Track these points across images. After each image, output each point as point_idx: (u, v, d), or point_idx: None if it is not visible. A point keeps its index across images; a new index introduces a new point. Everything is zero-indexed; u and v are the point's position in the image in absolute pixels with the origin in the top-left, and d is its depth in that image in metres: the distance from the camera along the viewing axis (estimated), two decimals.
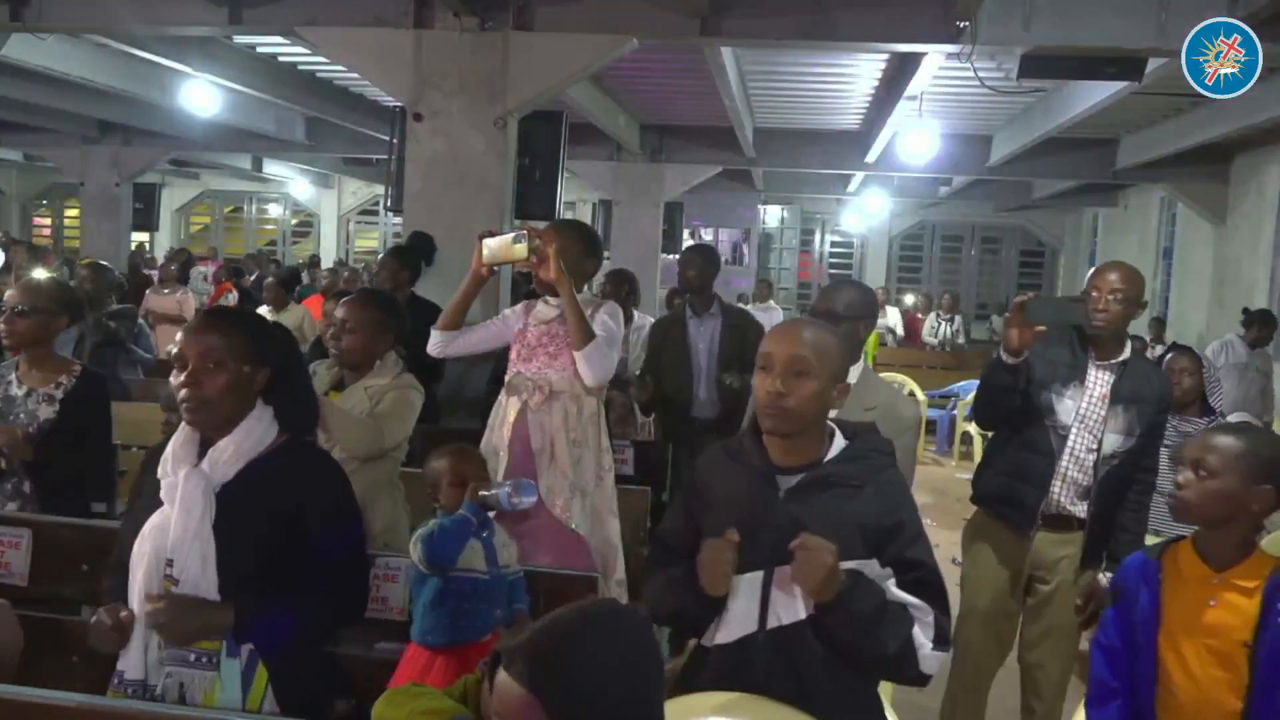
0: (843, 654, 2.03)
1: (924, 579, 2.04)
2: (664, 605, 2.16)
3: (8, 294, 3.56)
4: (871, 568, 2.02)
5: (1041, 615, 3.46)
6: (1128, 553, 3.37)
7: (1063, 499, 3.33)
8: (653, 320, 6.14)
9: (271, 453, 2.19)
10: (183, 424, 2.18)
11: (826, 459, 2.08)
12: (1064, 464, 3.31)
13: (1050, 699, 3.50)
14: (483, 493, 2.74)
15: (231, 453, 2.15)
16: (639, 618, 1.54)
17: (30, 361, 3.49)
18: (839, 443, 2.11)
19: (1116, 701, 2.32)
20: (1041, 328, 3.09)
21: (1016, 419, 3.34)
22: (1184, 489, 2.23)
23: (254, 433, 2.17)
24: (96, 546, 3.12)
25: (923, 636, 2.02)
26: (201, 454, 2.16)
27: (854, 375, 2.59)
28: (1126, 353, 3.32)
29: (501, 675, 1.41)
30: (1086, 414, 3.29)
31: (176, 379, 2.13)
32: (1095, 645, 2.38)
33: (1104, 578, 3.42)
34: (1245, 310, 8.14)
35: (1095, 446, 3.28)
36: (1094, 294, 3.26)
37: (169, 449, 2.18)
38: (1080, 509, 3.33)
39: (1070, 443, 3.29)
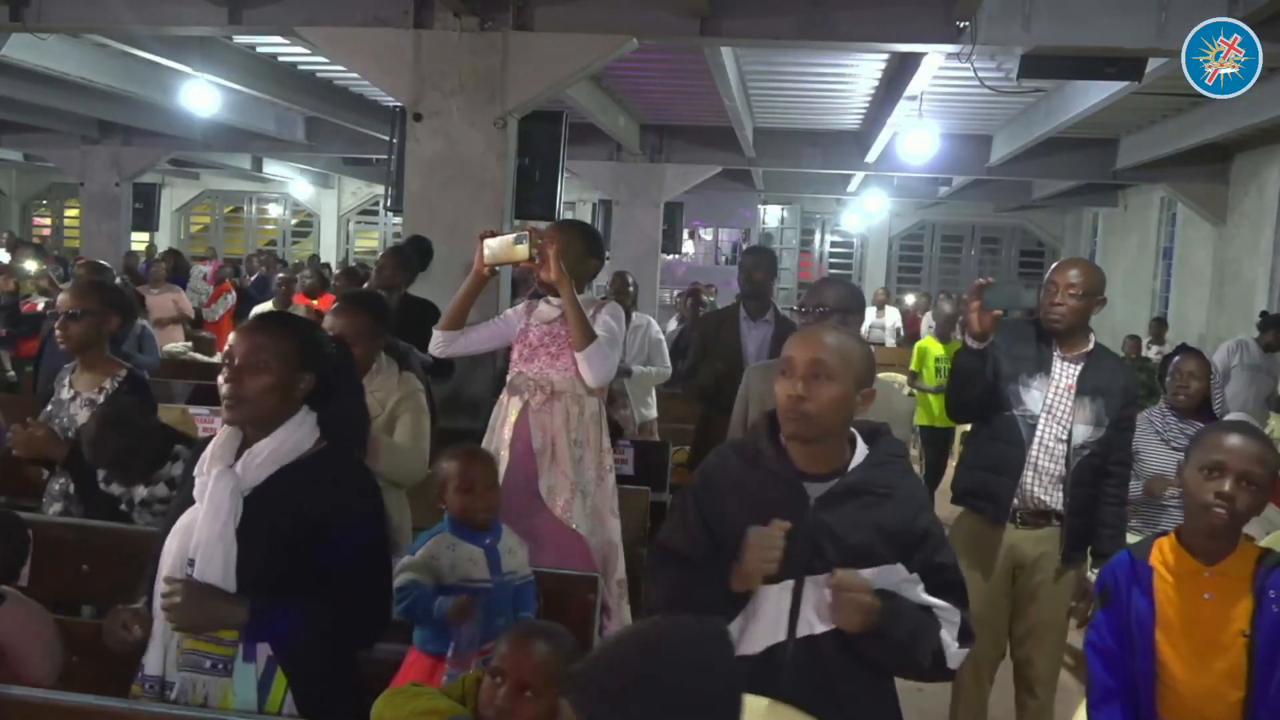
0: (877, 666, 2.04)
1: (949, 580, 2.07)
2: (674, 609, 2.03)
3: (59, 298, 3.52)
4: (897, 572, 2.00)
5: (1026, 612, 3.48)
6: (1111, 548, 3.39)
7: (1036, 489, 3.37)
8: (653, 321, 6.14)
9: (306, 460, 2.15)
10: (225, 423, 2.17)
11: (852, 466, 2.06)
12: (1034, 453, 3.35)
13: (1042, 695, 3.51)
14: (464, 626, 2.55)
15: (265, 457, 2.12)
16: (716, 641, 1.43)
17: (84, 365, 3.48)
18: (861, 448, 2.08)
19: (1118, 701, 2.32)
20: (998, 312, 3.18)
21: (986, 410, 3.40)
22: (1234, 501, 2.16)
23: (291, 438, 2.14)
24: (96, 547, 3.13)
25: (949, 636, 2.04)
26: (240, 455, 2.15)
27: None
28: (1090, 345, 3.38)
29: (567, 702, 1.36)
30: (1054, 405, 3.34)
31: (223, 376, 2.13)
32: (1089, 647, 2.38)
33: (1093, 575, 3.43)
34: (1263, 314, 8.11)
35: (1065, 437, 3.34)
36: (1051, 289, 3.34)
37: (209, 448, 2.17)
38: (1055, 499, 3.37)
39: (1039, 432, 3.35)
